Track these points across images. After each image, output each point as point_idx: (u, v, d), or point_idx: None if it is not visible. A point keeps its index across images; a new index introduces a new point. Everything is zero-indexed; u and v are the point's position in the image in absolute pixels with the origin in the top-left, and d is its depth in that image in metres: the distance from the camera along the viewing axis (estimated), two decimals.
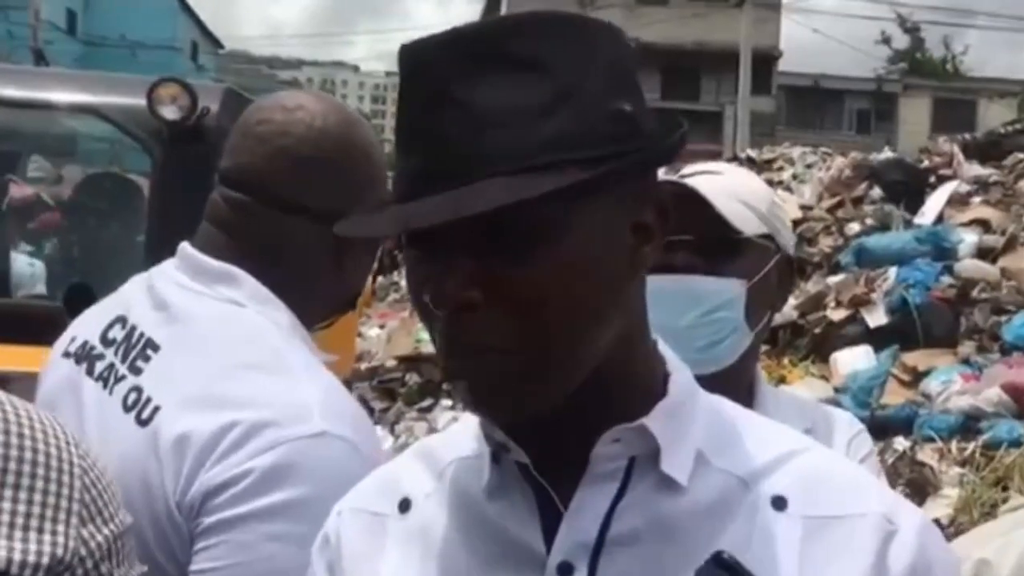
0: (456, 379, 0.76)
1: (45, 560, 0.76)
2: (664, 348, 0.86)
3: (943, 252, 7.23)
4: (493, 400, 0.76)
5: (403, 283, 13.42)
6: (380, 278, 13.73)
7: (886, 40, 42.86)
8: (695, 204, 1.32)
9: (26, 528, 0.77)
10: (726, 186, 1.37)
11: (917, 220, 8.33)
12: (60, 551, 0.78)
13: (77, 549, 0.80)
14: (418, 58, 0.76)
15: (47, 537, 0.78)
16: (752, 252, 1.37)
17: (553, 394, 0.76)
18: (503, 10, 32.14)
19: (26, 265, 3.78)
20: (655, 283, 1.29)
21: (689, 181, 1.35)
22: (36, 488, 0.80)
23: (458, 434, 0.89)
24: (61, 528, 0.79)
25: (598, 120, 0.75)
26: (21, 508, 0.78)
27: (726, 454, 0.81)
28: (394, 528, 0.86)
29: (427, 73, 0.75)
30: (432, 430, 6.20)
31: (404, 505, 0.87)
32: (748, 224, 1.36)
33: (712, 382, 0.90)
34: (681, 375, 0.84)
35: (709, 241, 1.34)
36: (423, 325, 0.79)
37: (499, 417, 0.78)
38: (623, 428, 0.79)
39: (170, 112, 3.14)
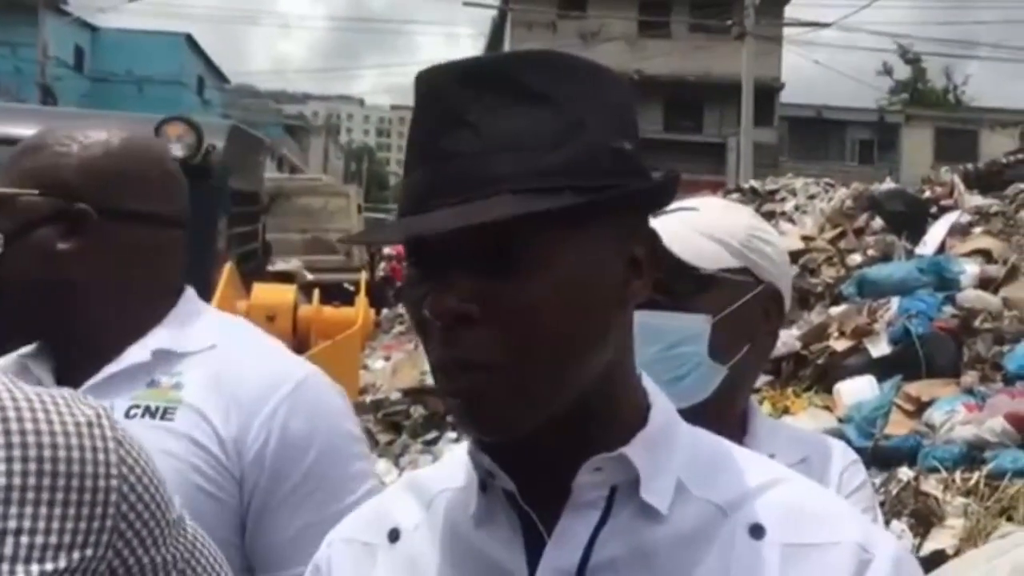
0: (450, 396, 0.80)
1: None
2: (647, 380, 0.89)
3: (945, 282, 7.25)
4: (482, 417, 0.79)
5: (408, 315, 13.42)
6: (385, 310, 13.75)
7: (888, 71, 43.14)
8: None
9: (57, 547, 0.75)
10: (694, 222, 1.38)
11: (919, 250, 8.36)
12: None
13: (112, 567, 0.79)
14: (435, 82, 0.81)
15: (76, 555, 0.76)
16: (721, 287, 1.37)
17: (538, 413, 0.79)
18: (506, 46, 32.37)
19: None
20: None
21: (659, 219, 1.37)
22: (71, 502, 0.77)
23: (447, 466, 0.93)
24: (90, 552, 0.77)
25: (601, 155, 0.79)
26: (55, 526, 0.76)
27: (706, 483, 0.84)
28: (383, 558, 0.89)
29: (443, 96, 0.79)
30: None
31: (393, 535, 0.90)
32: (713, 260, 1.37)
33: (696, 416, 0.92)
34: (662, 406, 0.87)
35: (670, 277, 1.33)
36: (421, 343, 0.83)
37: (487, 434, 0.81)
38: (604, 457, 0.82)
39: (176, 150, 3.20)
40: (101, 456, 0.79)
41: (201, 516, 1.06)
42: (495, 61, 0.81)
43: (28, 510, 0.76)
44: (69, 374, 1.33)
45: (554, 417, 0.80)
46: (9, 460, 0.75)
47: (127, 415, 1.28)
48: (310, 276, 9.89)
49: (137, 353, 1.33)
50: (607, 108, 0.82)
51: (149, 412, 1.29)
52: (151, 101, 26.73)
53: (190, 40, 40.27)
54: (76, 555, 0.77)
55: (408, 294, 0.81)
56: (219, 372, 1.33)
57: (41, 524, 0.76)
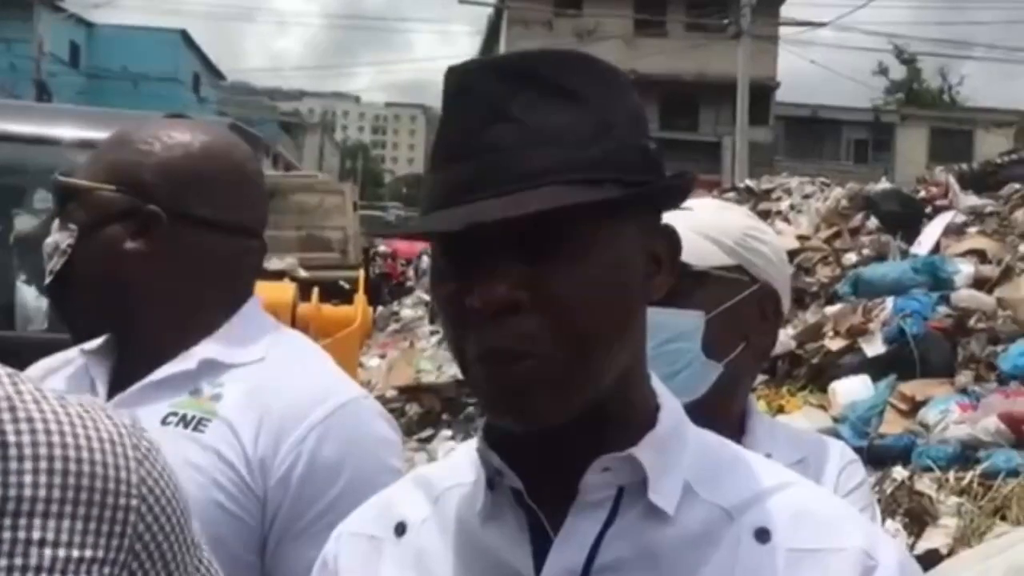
0: (494, 385, 0.80)
1: None
2: (656, 381, 0.89)
3: (940, 282, 7.28)
4: (524, 405, 0.79)
5: (403, 313, 13.42)
6: (380, 308, 13.75)
7: (883, 71, 43.23)
8: None
9: (79, 561, 0.74)
10: (688, 220, 1.39)
11: (914, 250, 8.39)
12: None
13: None
14: (471, 78, 0.82)
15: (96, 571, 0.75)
16: (714, 285, 1.38)
17: (576, 403, 0.80)
18: (502, 44, 32.38)
19: (33, 299, 3.80)
20: None
21: None
22: (91, 517, 0.77)
23: (455, 461, 0.93)
24: (107, 570, 0.77)
25: (631, 152, 0.82)
26: (76, 540, 0.75)
27: (713, 486, 0.85)
28: (389, 551, 0.90)
29: (481, 92, 0.81)
30: (432, 460, 6.17)
31: (400, 529, 0.91)
32: (706, 257, 1.38)
33: (693, 413, 0.92)
34: (671, 408, 0.88)
35: None
36: (451, 337, 0.82)
37: (525, 422, 0.81)
38: (612, 457, 0.82)
39: None
40: (123, 475, 0.79)
41: (218, 532, 1.02)
42: (529, 58, 0.83)
43: (52, 523, 0.75)
44: (126, 374, 1.31)
45: (570, 415, 0.81)
46: (36, 472, 0.75)
47: (163, 421, 1.25)
48: (304, 273, 9.88)
49: (185, 360, 1.30)
50: (629, 109, 0.84)
51: (184, 421, 1.26)
52: (146, 98, 26.71)
53: (186, 37, 40.25)
54: (95, 571, 0.76)
55: (440, 288, 0.82)
56: (258, 387, 1.28)
57: (64, 537, 0.75)
